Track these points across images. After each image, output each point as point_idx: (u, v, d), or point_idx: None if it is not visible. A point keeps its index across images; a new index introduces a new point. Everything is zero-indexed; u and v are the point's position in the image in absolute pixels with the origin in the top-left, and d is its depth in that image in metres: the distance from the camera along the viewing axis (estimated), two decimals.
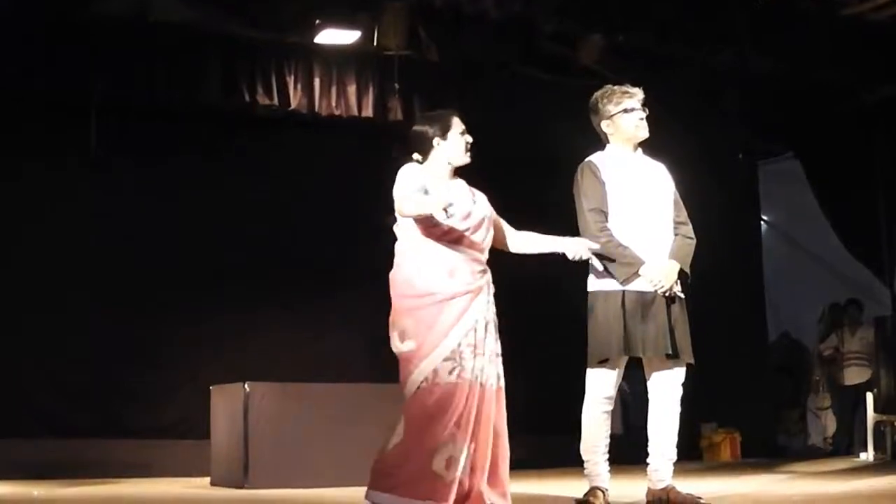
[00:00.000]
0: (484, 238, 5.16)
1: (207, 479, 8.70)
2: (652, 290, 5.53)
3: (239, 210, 10.46)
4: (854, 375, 11.87)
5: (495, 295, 5.15)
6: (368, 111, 10.30)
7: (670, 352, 5.53)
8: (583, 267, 5.62)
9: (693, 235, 5.75)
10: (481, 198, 5.28)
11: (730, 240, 12.39)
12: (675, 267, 5.59)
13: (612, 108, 5.73)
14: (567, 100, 7.17)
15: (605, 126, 5.78)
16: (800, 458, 11.70)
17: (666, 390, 5.64)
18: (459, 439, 4.93)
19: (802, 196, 12.26)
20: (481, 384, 5.02)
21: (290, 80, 10.04)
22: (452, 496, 4.90)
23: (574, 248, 5.36)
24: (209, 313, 10.05)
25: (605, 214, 5.60)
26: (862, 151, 11.47)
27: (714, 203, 10.61)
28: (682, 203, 5.82)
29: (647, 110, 5.75)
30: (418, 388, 4.93)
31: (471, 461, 4.98)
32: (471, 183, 5.28)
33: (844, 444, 11.87)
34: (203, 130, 10.38)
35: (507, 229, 5.43)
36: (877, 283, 11.83)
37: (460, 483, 4.93)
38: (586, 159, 5.77)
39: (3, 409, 9.34)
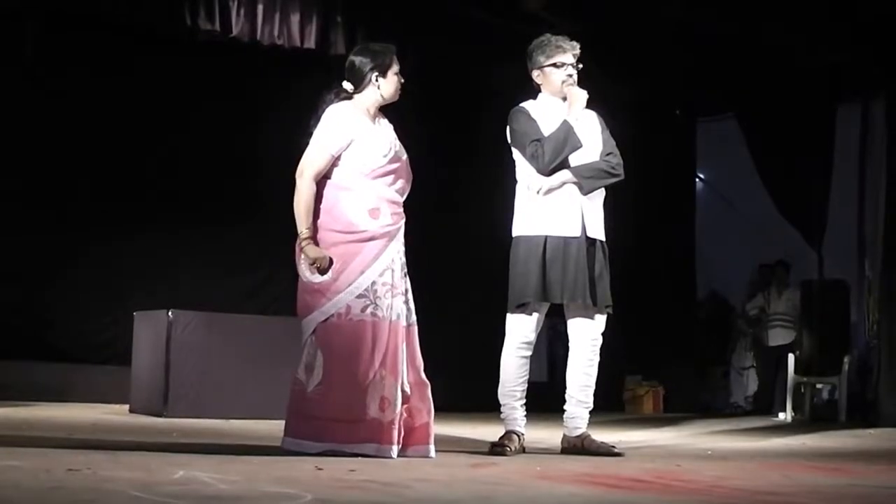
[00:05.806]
0: (405, 181, 5.20)
1: (126, 407, 8.62)
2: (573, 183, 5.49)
3: (173, 136, 10.27)
4: (778, 336, 12.03)
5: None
6: (311, 43, 10.17)
7: (589, 299, 5.54)
8: (510, 212, 5.62)
9: (621, 171, 5.70)
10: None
11: (663, 195, 12.47)
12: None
13: (542, 60, 5.75)
14: (511, 44, 7.09)
15: (535, 76, 5.81)
16: (721, 415, 11.86)
17: (585, 338, 5.66)
18: (389, 380, 4.92)
19: (739, 156, 12.32)
20: (408, 324, 5.06)
21: (233, 6, 9.86)
22: (395, 437, 4.90)
23: None
24: (139, 238, 9.88)
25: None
26: (800, 116, 11.54)
27: (650, 157, 10.61)
28: (613, 142, 5.79)
29: (580, 66, 5.74)
30: (327, 320, 4.93)
31: (406, 400, 4.99)
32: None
33: (765, 403, 12.03)
34: (142, 50, 10.15)
35: None
36: (806, 247, 11.94)
37: (399, 424, 4.93)
38: (517, 106, 5.78)
39: None
